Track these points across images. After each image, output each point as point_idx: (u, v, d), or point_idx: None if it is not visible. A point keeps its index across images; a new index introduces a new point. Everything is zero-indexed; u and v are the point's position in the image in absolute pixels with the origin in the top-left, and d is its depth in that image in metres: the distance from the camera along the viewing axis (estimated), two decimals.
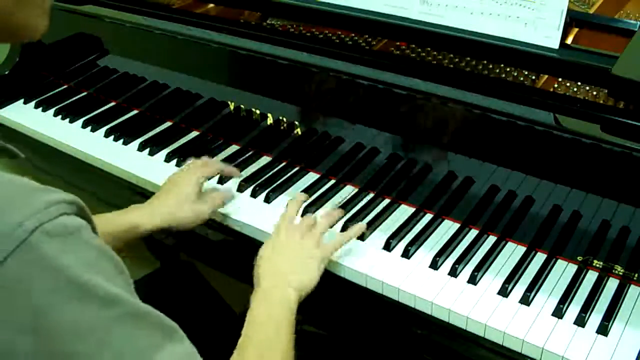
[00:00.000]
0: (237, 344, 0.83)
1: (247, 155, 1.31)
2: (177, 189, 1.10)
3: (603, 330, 0.89)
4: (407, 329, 0.99)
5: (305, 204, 1.16)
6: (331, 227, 1.07)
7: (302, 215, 1.09)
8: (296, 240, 0.99)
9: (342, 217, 1.10)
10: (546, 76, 1.05)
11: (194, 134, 1.40)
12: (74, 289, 0.55)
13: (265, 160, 1.29)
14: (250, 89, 1.30)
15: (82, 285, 0.55)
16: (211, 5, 1.41)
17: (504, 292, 0.96)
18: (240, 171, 1.26)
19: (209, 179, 1.16)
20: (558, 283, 0.98)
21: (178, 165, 1.29)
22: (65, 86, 1.61)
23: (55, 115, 1.50)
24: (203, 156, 1.20)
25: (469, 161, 1.07)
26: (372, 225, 1.10)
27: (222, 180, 1.23)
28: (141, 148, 1.36)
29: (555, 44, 1.00)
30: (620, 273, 0.97)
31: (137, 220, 1.04)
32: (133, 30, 1.41)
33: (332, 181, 1.22)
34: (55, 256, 0.54)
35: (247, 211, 1.16)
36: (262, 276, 0.94)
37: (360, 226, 1.06)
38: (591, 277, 0.98)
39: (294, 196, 1.16)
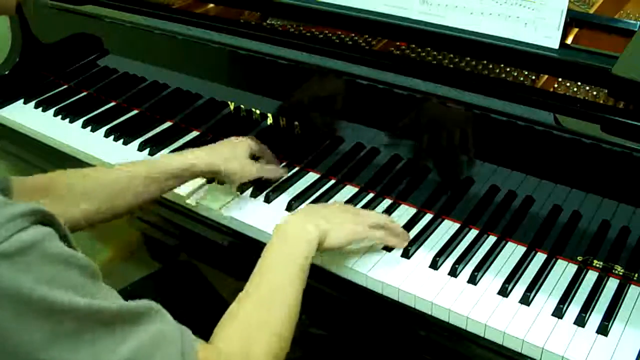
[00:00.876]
0: (250, 276, 0.85)
1: None
2: (232, 144, 1.16)
3: (603, 330, 0.89)
4: (407, 329, 0.99)
5: (306, 203, 1.16)
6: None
7: None
8: (339, 207, 1.02)
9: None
10: (546, 76, 1.04)
11: (194, 134, 1.40)
12: (36, 308, 0.54)
13: None
14: (250, 89, 1.30)
15: (42, 303, 0.55)
16: (211, 5, 1.41)
17: (504, 292, 0.96)
18: None
19: (255, 157, 1.20)
20: (558, 283, 0.98)
21: None
22: (65, 86, 1.61)
23: (55, 115, 1.50)
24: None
25: (469, 161, 1.07)
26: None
27: (222, 184, 1.23)
28: (141, 148, 1.36)
29: (555, 44, 1.00)
30: (620, 273, 0.97)
31: (193, 161, 1.09)
32: (133, 30, 1.41)
33: (332, 181, 1.22)
34: (11, 278, 0.53)
35: (247, 211, 1.16)
36: (288, 219, 0.94)
37: (406, 237, 1.06)
38: (591, 277, 0.98)
39: (293, 196, 1.17)
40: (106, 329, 0.59)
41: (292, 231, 0.91)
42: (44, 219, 0.58)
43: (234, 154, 1.14)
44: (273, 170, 1.20)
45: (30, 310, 0.54)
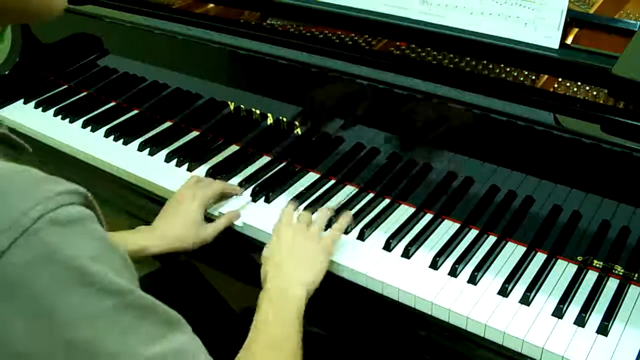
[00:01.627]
0: (244, 344, 0.83)
1: (247, 155, 1.31)
2: (184, 213, 1.11)
3: (603, 330, 0.89)
4: (407, 329, 0.99)
5: (305, 203, 1.16)
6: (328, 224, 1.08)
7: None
8: (296, 238, 1.02)
9: (333, 214, 1.11)
10: (546, 76, 1.05)
11: (194, 134, 1.40)
12: (77, 277, 0.54)
13: (265, 160, 1.29)
14: (250, 89, 1.30)
15: (85, 274, 0.55)
16: (211, 5, 1.41)
17: (504, 292, 0.96)
18: (240, 171, 1.26)
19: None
20: (558, 283, 0.98)
21: (178, 165, 1.29)
22: (65, 86, 1.61)
23: (55, 115, 1.50)
24: (205, 178, 1.21)
25: (469, 161, 1.07)
26: (372, 225, 1.10)
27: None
28: (141, 148, 1.36)
29: (555, 44, 1.00)
30: (620, 273, 0.97)
31: (145, 244, 1.07)
32: (133, 30, 1.41)
33: (332, 181, 1.22)
34: (59, 244, 0.54)
35: (247, 211, 1.16)
36: (267, 277, 0.96)
37: (347, 213, 1.09)
38: (591, 277, 0.98)
39: (293, 196, 1.17)
40: (143, 321, 0.58)
41: (282, 299, 0.92)
42: (88, 202, 0.59)
43: (188, 224, 1.11)
44: (230, 216, 1.15)
45: (74, 278, 0.54)
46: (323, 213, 1.09)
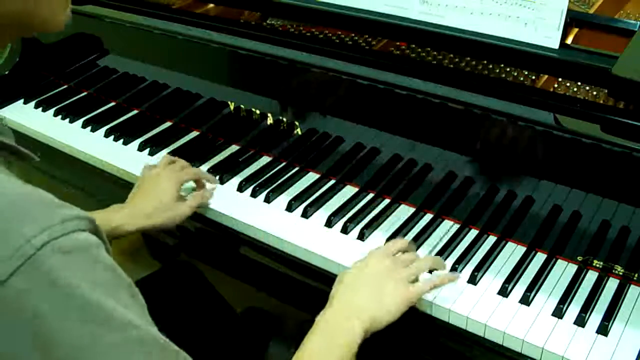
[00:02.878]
0: None
1: (247, 155, 1.31)
2: (158, 191, 1.11)
3: (603, 330, 0.89)
4: (407, 329, 0.99)
5: (305, 203, 1.16)
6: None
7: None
8: (383, 270, 0.91)
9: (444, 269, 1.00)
10: (546, 76, 1.05)
11: (194, 134, 1.40)
12: (78, 307, 0.53)
13: (265, 160, 1.29)
14: (250, 89, 1.30)
15: (87, 305, 0.53)
16: (211, 5, 1.41)
17: (504, 292, 0.96)
18: (240, 171, 1.26)
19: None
20: (558, 283, 0.98)
21: None
22: (65, 86, 1.61)
23: (55, 115, 1.50)
24: (180, 159, 1.20)
25: (469, 161, 1.07)
26: (372, 225, 1.10)
27: (222, 180, 1.23)
28: (141, 148, 1.36)
29: (555, 44, 1.00)
30: (620, 273, 0.97)
31: (119, 222, 1.05)
32: (133, 30, 1.41)
33: (332, 181, 1.22)
34: (63, 273, 0.53)
35: (247, 211, 1.16)
36: (334, 300, 0.87)
37: (453, 275, 0.98)
38: (591, 277, 0.98)
39: (293, 196, 1.17)
40: (144, 355, 0.56)
41: (337, 330, 0.84)
42: (95, 228, 0.58)
43: (161, 202, 1.09)
44: (202, 196, 1.15)
45: (75, 308, 0.53)
46: (432, 261, 0.98)
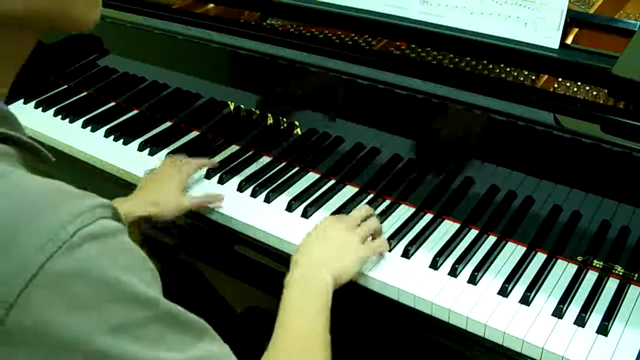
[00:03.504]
0: (274, 331, 0.83)
1: (247, 155, 1.31)
2: (164, 182, 1.16)
3: (603, 330, 0.89)
4: (407, 329, 0.99)
5: (305, 203, 1.16)
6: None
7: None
8: (337, 226, 1.00)
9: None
10: (546, 76, 1.05)
11: (194, 134, 1.40)
12: (111, 289, 0.55)
13: (265, 160, 1.29)
14: (250, 89, 1.30)
15: (119, 286, 0.56)
16: (211, 5, 1.41)
17: (504, 292, 0.96)
18: (240, 171, 1.26)
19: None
20: (558, 283, 0.98)
21: None
22: (65, 86, 1.61)
23: (55, 115, 1.50)
24: (182, 154, 1.25)
25: (469, 161, 1.07)
26: None
27: (222, 180, 1.23)
28: (141, 148, 1.36)
29: (555, 44, 1.00)
30: (620, 273, 0.97)
31: (128, 209, 1.08)
32: (133, 30, 1.41)
33: (332, 181, 1.22)
34: (96, 258, 0.55)
35: (247, 211, 1.16)
36: (299, 262, 0.93)
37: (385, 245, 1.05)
38: (591, 277, 0.98)
39: (293, 196, 1.17)
40: (172, 332, 0.59)
41: (309, 282, 0.90)
42: (118, 215, 0.60)
43: (165, 192, 1.14)
44: (212, 195, 1.19)
45: (108, 291, 0.55)
46: (375, 222, 1.05)
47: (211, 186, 1.23)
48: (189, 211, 1.16)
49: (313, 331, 0.84)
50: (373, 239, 1.03)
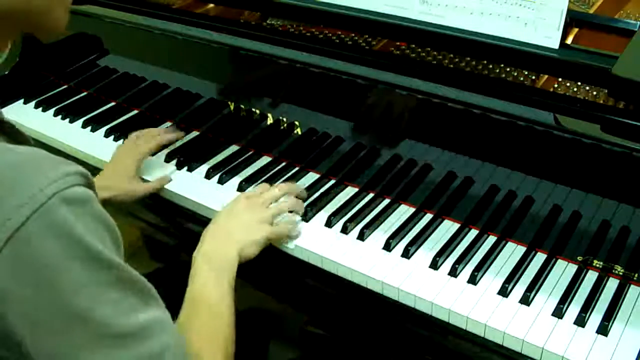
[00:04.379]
0: (185, 299, 0.89)
1: (247, 155, 1.31)
2: (117, 166, 1.19)
3: (603, 330, 0.89)
4: (407, 329, 0.99)
5: (305, 203, 1.16)
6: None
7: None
8: (247, 209, 1.06)
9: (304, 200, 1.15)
10: (546, 76, 1.05)
11: (194, 134, 1.40)
12: (81, 251, 0.61)
13: (265, 160, 1.29)
14: (250, 89, 1.30)
15: (89, 250, 0.62)
16: (211, 5, 1.41)
17: (504, 292, 0.96)
18: (240, 171, 1.26)
19: (152, 155, 1.27)
20: (558, 283, 0.98)
21: (178, 165, 1.29)
22: (65, 86, 1.61)
23: (55, 115, 1.50)
24: (150, 130, 1.29)
25: (469, 161, 1.07)
26: (372, 225, 1.10)
27: (222, 180, 1.23)
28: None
29: (555, 44, 1.00)
30: (620, 273, 0.97)
31: None
32: (133, 30, 1.41)
33: (332, 181, 1.22)
34: (70, 221, 0.61)
35: None
36: (206, 237, 1.00)
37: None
38: (591, 277, 0.98)
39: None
40: (133, 294, 0.66)
41: (215, 257, 0.96)
42: (91, 183, 0.66)
43: (116, 179, 1.17)
44: (162, 180, 1.22)
45: (77, 253, 0.61)
46: (286, 204, 1.11)
47: (211, 186, 1.23)
48: (187, 209, 1.18)
49: (218, 306, 0.89)
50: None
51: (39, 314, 0.61)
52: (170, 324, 0.71)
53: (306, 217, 1.13)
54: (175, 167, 1.28)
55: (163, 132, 1.32)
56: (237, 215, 1.05)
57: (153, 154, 1.29)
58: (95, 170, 1.35)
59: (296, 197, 1.13)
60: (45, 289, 0.60)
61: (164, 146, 1.35)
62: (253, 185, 1.21)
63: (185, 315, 0.86)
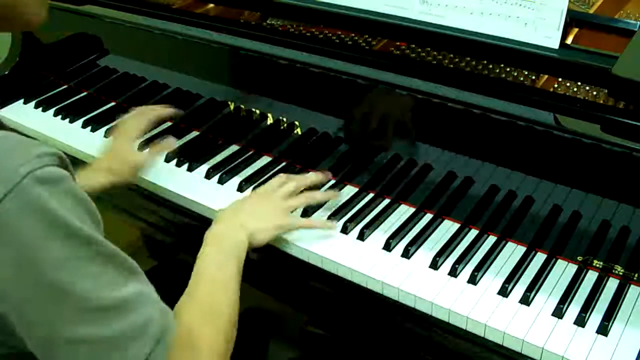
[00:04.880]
0: (190, 280, 0.89)
1: (247, 155, 1.31)
2: (114, 148, 1.20)
3: (603, 330, 0.89)
4: (407, 329, 0.99)
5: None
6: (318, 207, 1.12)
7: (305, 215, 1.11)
8: (264, 197, 1.07)
9: (327, 200, 1.14)
10: (546, 76, 1.05)
11: (194, 134, 1.40)
12: (58, 227, 0.63)
13: (265, 160, 1.29)
14: (250, 89, 1.30)
15: (66, 226, 0.63)
16: (211, 5, 1.41)
17: (504, 292, 0.96)
18: (240, 171, 1.26)
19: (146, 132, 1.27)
20: (558, 283, 0.98)
21: (178, 165, 1.29)
22: (65, 86, 1.61)
23: (55, 115, 1.50)
24: (142, 108, 1.29)
25: (469, 161, 1.07)
26: (372, 225, 1.10)
27: (222, 180, 1.23)
28: (141, 148, 1.36)
29: (555, 44, 1.00)
30: (620, 273, 0.97)
31: (85, 182, 1.11)
32: (133, 30, 1.41)
33: (333, 181, 1.22)
34: (44, 199, 0.62)
35: None
36: (218, 219, 1.01)
37: (330, 225, 1.09)
38: (591, 277, 0.98)
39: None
40: (113, 268, 0.68)
41: (225, 239, 0.97)
42: (65, 163, 0.68)
43: (115, 160, 1.17)
44: (166, 144, 1.23)
45: (55, 229, 0.63)
46: (296, 181, 1.11)
47: (211, 186, 1.23)
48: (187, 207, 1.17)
49: (222, 284, 0.89)
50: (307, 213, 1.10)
51: (21, 292, 0.63)
52: (154, 297, 0.72)
53: (306, 217, 1.13)
54: (175, 167, 1.28)
55: (150, 109, 1.30)
56: (252, 202, 1.06)
57: (150, 133, 1.29)
58: None
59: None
60: (25, 267, 0.62)
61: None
62: (253, 186, 1.21)
63: (186, 292, 0.86)
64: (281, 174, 1.13)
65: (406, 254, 1.04)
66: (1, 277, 0.62)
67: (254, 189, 1.20)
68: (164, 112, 1.30)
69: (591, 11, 1.10)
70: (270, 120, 1.29)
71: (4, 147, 0.64)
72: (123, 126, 1.23)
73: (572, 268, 1.00)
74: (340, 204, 1.15)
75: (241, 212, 1.03)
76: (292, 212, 1.09)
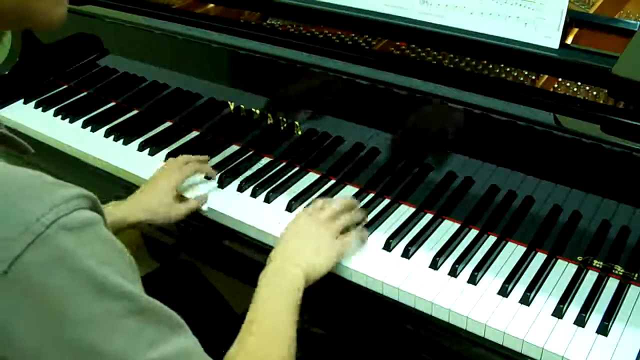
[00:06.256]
0: (244, 322, 0.84)
1: (247, 155, 1.31)
2: (156, 188, 1.16)
3: (603, 330, 0.89)
4: (407, 329, 0.99)
5: (306, 203, 1.16)
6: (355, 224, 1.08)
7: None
8: (311, 223, 1.02)
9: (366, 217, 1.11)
10: (546, 76, 1.05)
11: (194, 134, 1.40)
12: (87, 280, 0.56)
13: (265, 160, 1.29)
14: (250, 89, 1.30)
15: (95, 278, 0.56)
16: (211, 5, 1.41)
17: (504, 292, 0.96)
18: (240, 171, 1.26)
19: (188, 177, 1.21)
20: (558, 283, 0.98)
21: None
22: (65, 86, 1.61)
23: (55, 115, 1.50)
24: (184, 155, 1.23)
25: (469, 161, 1.07)
26: (372, 225, 1.10)
27: (222, 184, 1.23)
28: (141, 148, 1.36)
29: (555, 44, 1.00)
30: (620, 273, 0.97)
31: (121, 214, 1.09)
32: (133, 30, 1.41)
33: (332, 181, 1.22)
34: (72, 249, 0.56)
35: (247, 211, 1.16)
36: (273, 258, 0.96)
37: (364, 235, 1.07)
38: (591, 277, 0.98)
39: (293, 196, 1.17)
40: (147, 325, 0.60)
41: (280, 279, 0.92)
42: (96, 206, 0.61)
43: (160, 196, 1.14)
44: (201, 199, 1.19)
45: (84, 282, 0.56)
46: (354, 214, 1.07)
47: (211, 186, 1.23)
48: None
49: (281, 326, 0.85)
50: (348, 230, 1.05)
51: (49, 351, 0.56)
52: (198, 352, 0.65)
53: None
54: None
55: (199, 162, 1.24)
56: (304, 235, 1.00)
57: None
58: (95, 170, 1.36)
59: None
60: (49, 325, 0.55)
61: (163, 146, 1.35)
62: (252, 186, 1.21)
63: (237, 339, 0.81)
64: (317, 199, 1.10)
65: (406, 254, 1.04)
66: (27, 339, 0.55)
67: (254, 189, 1.20)
68: (206, 168, 1.24)
69: (591, 11, 1.10)
70: (270, 121, 1.29)
71: (28, 190, 0.57)
72: (173, 172, 1.18)
73: (572, 268, 1.00)
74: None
75: (295, 248, 0.98)
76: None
